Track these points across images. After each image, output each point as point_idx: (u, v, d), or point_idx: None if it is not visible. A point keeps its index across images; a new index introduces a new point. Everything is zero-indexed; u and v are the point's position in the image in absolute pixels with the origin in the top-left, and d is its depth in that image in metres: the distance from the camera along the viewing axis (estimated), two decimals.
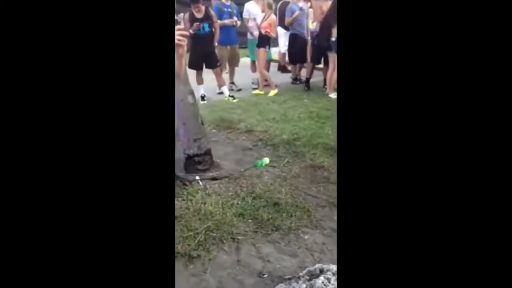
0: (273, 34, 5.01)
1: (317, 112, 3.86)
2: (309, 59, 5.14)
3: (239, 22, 5.09)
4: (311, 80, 5.11)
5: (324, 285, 1.17)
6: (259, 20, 5.01)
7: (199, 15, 4.36)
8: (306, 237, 1.82)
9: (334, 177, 2.45)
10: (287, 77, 5.77)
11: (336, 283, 1.17)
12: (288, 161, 2.76)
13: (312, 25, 5.05)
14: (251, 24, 5.15)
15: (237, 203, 2.13)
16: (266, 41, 4.89)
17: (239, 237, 1.83)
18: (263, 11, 5.02)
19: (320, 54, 4.86)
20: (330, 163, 2.68)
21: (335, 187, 2.32)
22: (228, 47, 4.99)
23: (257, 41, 4.97)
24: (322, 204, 2.13)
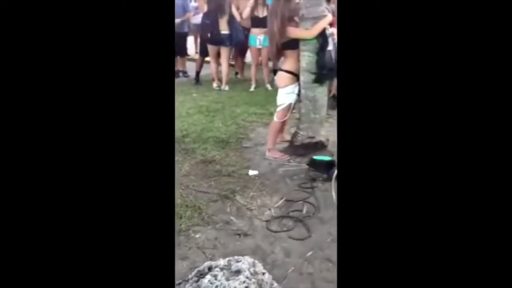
0: None
1: (206, 106, 3.78)
2: (198, 52, 5.00)
3: None
4: (200, 74, 5.01)
5: (211, 283, 1.10)
6: None
7: None
8: (197, 235, 1.73)
9: (226, 169, 2.42)
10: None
11: (223, 278, 1.11)
12: (177, 160, 2.61)
13: (195, 18, 4.92)
14: None
15: None
16: None
17: None
18: None
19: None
20: (222, 155, 2.65)
21: (227, 179, 2.29)
22: None
23: None
24: (213, 199, 2.06)
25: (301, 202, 2.02)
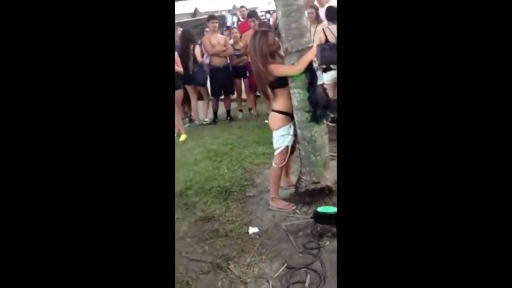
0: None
1: (215, 150, 3.63)
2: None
3: None
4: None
5: None
6: None
7: None
8: None
9: (224, 227, 2.19)
10: None
11: None
12: (177, 218, 2.43)
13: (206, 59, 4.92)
14: None
15: None
16: None
17: None
18: None
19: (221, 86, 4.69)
20: (222, 210, 2.42)
21: (224, 241, 2.05)
22: None
23: None
24: (205, 270, 1.82)
25: (304, 269, 1.71)
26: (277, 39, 2.10)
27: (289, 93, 2.17)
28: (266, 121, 4.21)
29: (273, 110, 2.25)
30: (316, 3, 4.52)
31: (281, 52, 2.20)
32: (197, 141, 4.13)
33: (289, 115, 2.21)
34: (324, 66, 2.06)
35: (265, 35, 2.07)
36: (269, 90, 2.21)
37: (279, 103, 2.20)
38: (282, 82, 2.14)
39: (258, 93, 4.87)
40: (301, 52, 2.02)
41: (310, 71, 2.01)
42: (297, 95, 2.10)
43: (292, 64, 2.05)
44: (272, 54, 2.10)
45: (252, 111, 4.97)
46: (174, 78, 3.89)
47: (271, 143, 3.58)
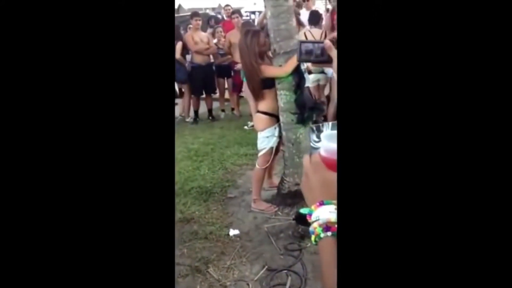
0: None
1: (196, 150, 3.56)
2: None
3: None
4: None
5: None
6: None
7: None
8: None
9: (203, 229, 2.13)
10: None
11: None
12: None
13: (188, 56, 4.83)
14: None
15: None
16: None
17: None
18: None
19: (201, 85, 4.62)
20: (202, 211, 2.36)
21: (203, 244, 1.99)
22: None
23: None
24: (183, 273, 1.76)
25: (285, 271, 1.69)
26: (267, 39, 2.08)
27: (276, 94, 2.15)
28: (247, 126, 4.21)
29: (259, 111, 2.23)
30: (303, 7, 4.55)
31: (269, 53, 2.18)
32: (177, 140, 4.03)
33: (274, 117, 2.19)
34: (305, 66, 2.05)
35: (257, 35, 2.05)
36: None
37: (265, 104, 2.18)
38: (269, 84, 2.12)
39: (241, 94, 4.84)
40: (289, 54, 2.00)
41: (297, 73, 2.00)
42: (284, 96, 2.09)
43: (280, 65, 2.04)
44: (262, 55, 2.08)
45: (235, 112, 4.93)
46: (174, 77, 3.84)
47: (253, 144, 3.58)
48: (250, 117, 4.29)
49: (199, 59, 4.44)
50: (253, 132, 4.04)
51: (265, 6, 2.06)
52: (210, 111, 4.75)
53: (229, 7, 5.46)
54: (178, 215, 2.34)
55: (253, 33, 2.07)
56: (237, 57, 4.30)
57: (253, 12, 9.39)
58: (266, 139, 2.21)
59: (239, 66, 3.80)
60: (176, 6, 10.36)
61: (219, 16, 7.17)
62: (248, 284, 1.65)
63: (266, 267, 1.75)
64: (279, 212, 2.24)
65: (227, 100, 5.11)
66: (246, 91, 4.08)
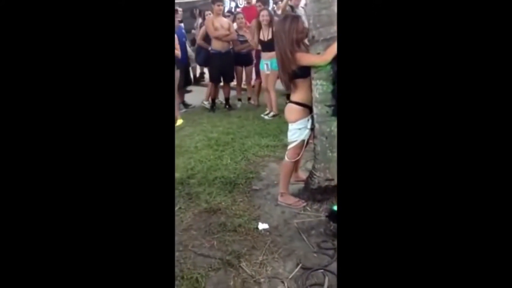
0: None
1: (216, 139, 3.49)
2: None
3: None
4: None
5: None
6: None
7: None
8: None
9: (232, 221, 2.07)
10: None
11: None
12: (180, 208, 2.30)
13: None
14: None
15: None
16: None
17: None
18: None
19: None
20: (228, 202, 2.31)
21: (233, 237, 1.94)
22: None
23: None
24: (215, 266, 1.71)
25: (321, 271, 1.63)
26: (306, 26, 1.97)
27: (310, 84, 2.05)
28: (268, 115, 4.11)
29: (291, 101, 2.13)
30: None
31: (306, 41, 2.07)
32: (195, 128, 3.97)
33: (307, 108, 2.10)
34: None
35: (296, 21, 1.94)
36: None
37: (299, 94, 2.09)
38: (304, 72, 2.02)
39: (253, 83, 4.73)
40: (329, 41, 1.90)
41: (337, 62, 1.90)
42: (320, 87, 1.99)
43: (318, 53, 1.94)
44: (298, 42, 1.97)
45: (252, 101, 4.83)
46: (174, 73, 3.75)
47: (274, 135, 3.50)
48: (266, 107, 4.22)
49: (218, 46, 4.32)
50: (273, 122, 3.97)
51: None
52: (227, 99, 4.66)
53: None
54: (203, 205, 2.29)
55: (293, 18, 1.96)
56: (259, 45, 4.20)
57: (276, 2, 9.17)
58: (298, 131, 2.12)
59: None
60: None
61: (233, 2, 6.97)
62: (283, 282, 1.59)
63: (301, 265, 1.69)
64: (308, 208, 2.17)
65: (244, 89, 5.01)
66: (269, 80, 3.99)
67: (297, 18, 1.99)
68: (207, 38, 4.52)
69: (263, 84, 4.27)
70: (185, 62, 4.44)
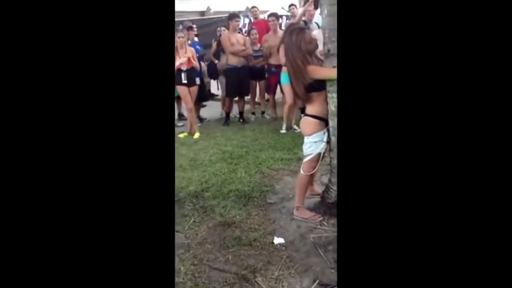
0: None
1: (230, 152, 3.50)
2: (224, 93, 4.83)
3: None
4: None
5: None
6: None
7: None
8: None
9: (247, 235, 2.05)
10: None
11: None
12: (194, 221, 2.29)
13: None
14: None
15: None
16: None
17: None
18: None
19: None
20: (243, 216, 2.29)
21: (248, 251, 1.91)
22: None
23: None
24: (230, 281, 1.69)
25: None
26: (314, 38, 1.99)
27: (326, 97, 2.05)
28: (282, 131, 4.10)
29: (307, 115, 2.13)
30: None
31: (318, 54, 2.08)
32: (209, 141, 4.00)
33: (323, 121, 2.09)
34: None
35: (302, 32, 1.96)
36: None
37: (314, 107, 2.08)
38: (319, 86, 2.02)
39: (267, 97, 4.77)
40: None
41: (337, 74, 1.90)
42: (335, 99, 1.99)
43: (334, 66, 1.94)
44: (310, 54, 1.99)
45: (266, 115, 4.85)
46: (174, 76, 3.83)
47: (288, 149, 3.49)
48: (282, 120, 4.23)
49: (234, 61, 4.39)
50: (287, 136, 3.96)
51: (321, 5, 1.97)
52: (241, 113, 4.70)
53: (256, 9, 5.40)
54: (218, 218, 2.27)
55: (298, 30, 1.98)
56: (273, 60, 4.25)
57: (280, 16, 9.36)
58: (314, 144, 2.11)
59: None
60: (204, 8, 10.47)
61: (247, 19, 7.12)
62: None
63: (318, 281, 1.64)
64: (324, 222, 2.13)
65: (257, 103, 5.04)
66: (286, 93, 3.99)
67: (303, 29, 2.01)
68: (215, 53, 4.68)
69: (284, 98, 4.27)
70: (201, 76, 4.53)
